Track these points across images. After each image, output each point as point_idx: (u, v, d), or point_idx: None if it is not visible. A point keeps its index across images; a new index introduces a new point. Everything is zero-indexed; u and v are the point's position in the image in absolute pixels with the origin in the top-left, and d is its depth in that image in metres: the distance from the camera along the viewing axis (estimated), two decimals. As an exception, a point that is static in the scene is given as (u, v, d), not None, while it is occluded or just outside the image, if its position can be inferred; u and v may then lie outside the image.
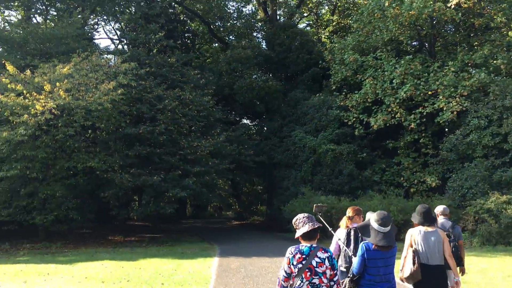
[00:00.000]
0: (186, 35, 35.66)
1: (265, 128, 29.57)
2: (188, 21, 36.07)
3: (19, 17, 27.65)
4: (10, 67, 16.54)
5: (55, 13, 29.80)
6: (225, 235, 23.59)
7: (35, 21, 28.29)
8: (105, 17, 32.64)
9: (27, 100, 16.39)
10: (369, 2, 24.54)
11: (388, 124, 22.12)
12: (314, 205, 6.19)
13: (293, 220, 4.26)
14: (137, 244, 19.17)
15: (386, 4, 22.84)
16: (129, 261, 13.51)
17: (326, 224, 6.19)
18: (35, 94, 16.31)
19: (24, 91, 16.30)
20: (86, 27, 28.25)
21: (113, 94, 17.66)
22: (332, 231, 6.09)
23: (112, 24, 35.87)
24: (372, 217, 4.77)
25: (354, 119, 23.59)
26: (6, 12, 28.46)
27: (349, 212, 6.30)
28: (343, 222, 6.25)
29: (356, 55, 24.40)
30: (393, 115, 21.98)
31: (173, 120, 20.22)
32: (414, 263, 5.33)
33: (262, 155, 25.68)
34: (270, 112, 28.00)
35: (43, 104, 16.03)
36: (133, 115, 19.85)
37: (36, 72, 17.54)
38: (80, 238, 21.07)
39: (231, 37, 37.22)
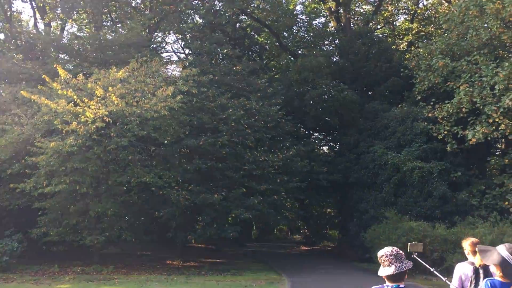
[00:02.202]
0: (253, 48, 33.93)
1: (337, 144, 26.73)
2: (256, 36, 34.36)
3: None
4: (61, 71, 15.14)
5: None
6: (294, 263, 20.83)
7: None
8: (170, 30, 31.53)
9: (78, 107, 14.88)
10: (462, -2, 21.34)
11: (489, 138, 18.62)
12: (409, 244, 5.43)
13: (378, 255, 3.67)
14: (195, 271, 16.94)
15: (484, -2, 19.57)
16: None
17: (427, 265, 5.44)
18: (86, 100, 14.76)
19: (75, 97, 14.79)
20: (153, 45, 27.04)
21: (171, 101, 15.78)
22: (435, 271, 5.24)
23: (177, 39, 34.93)
24: (502, 249, 3.80)
25: (445, 132, 20.22)
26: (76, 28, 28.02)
27: (472, 246, 5.36)
28: (478, 258, 5.04)
29: (446, 60, 21.15)
30: (495, 126, 18.46)
31: (237, 131, 18.01)
32: None
33: (336, 173, 22.78)
34: (344, 125, 25.11)
35: (95, 111, 14.40)
36: (194, 126, 17.87)
37: (91, 78, 16.10)
38: (136, 261, 19.25)
39: (300, 51, 34.94)
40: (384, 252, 3.61)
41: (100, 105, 14.63)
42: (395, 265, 3.52)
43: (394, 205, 20.21)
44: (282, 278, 15.30)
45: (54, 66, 15.81)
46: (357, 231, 20.91)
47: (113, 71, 15.40)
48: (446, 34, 22.50)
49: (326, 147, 28.09)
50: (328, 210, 38.40)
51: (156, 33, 30.65)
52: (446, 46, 22.03)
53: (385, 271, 3.56)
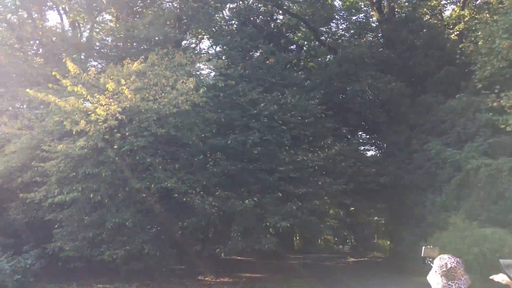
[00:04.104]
0: (290, 47, 31.81)
1: (385, 143, 24.02)
2: (292, 35, 32.22)
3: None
4: (70, 65, 13.47)
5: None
6: (344, 278, 18.38)
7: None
8: (202, 31, 29.80)
9: (89, 104, 13.18)
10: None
11: None
12: (423, 247, 4.37)
13: (435, 261, 3.38)
14: (228, 289, 14.84)
15: (559, -37, 16.65)
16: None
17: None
18: (98, 96, 13.03)
19: (84, 93, 13.06)
20: (182, 43, 25.40)
21: (194, 95, 13.83)
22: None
23: (211, 44, 33.19)
24: None
25: (514, 123, 17.31)
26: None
27: None
28: None
29: (512, 40, 18.26)
30: None
31: (270, 128, 15.84)
32: None
33: (385, 175, 20.14)
34: (393, 122, 22.46)
35: (106, 107, 12.63)
36: (221, 124, 15.84)
37: (104, 73, 14.40)
38: (166, 276, 17.33)
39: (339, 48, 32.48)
40: (439, 262, 3.35)
41: (111, 100, 12.85)
42: (443, 283, 3.22)
43: (456, 210, 17.44)
44: (328, 299, 12.94)
45: (64, 60, 14.23)
46: (414, 241, 18.19)
47: (126, 62, 13.64)
48: (510, 12, 19.60)
49: (374, 147, 25.39)
50: (375, 217, 35.59)
51: (189, 39, 29.10)
52: (511, 25, 19.17)
53: (433, 279, 3.32)
